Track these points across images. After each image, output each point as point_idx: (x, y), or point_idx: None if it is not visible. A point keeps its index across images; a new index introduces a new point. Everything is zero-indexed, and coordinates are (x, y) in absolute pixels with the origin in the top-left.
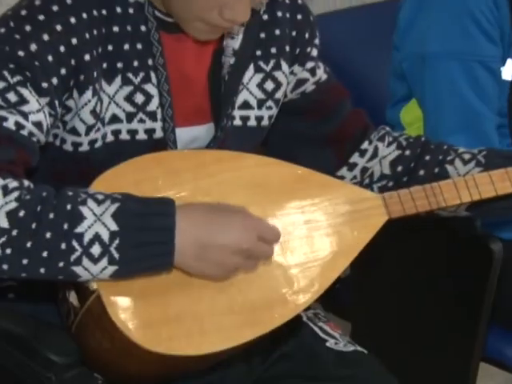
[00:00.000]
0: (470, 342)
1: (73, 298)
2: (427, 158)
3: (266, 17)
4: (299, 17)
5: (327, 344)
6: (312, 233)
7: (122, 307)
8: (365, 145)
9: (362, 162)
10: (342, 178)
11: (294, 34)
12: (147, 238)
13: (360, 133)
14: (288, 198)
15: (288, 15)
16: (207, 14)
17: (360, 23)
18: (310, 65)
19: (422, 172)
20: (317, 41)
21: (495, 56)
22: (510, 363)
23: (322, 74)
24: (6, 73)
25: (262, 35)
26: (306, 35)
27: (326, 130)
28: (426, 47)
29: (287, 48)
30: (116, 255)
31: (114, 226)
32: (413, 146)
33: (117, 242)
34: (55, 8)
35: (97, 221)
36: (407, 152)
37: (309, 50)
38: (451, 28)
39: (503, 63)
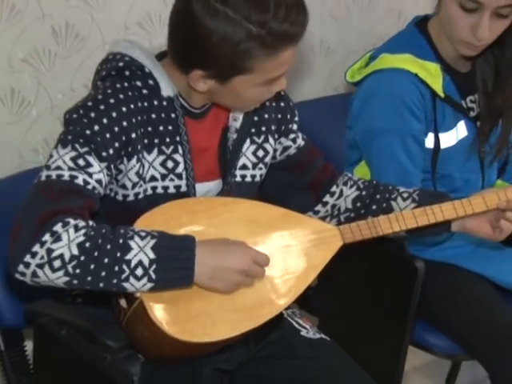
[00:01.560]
0: (402, 333)
1: (123, 302)
2: (378, 196)
3: (258, 105)
4: (282, 104)
5: (301, 333)
6: (289, 254)
7: (158, 309)
8: (333, 188)
9: (331, 201)
10: (317, 212)
11: (279, 116)
12: (175, 265)
13: (329, 180)
14: (272, 230)
15: (274, 104)
16: (261, 96)
17: (327, 108)
18: (291, 136)
19: (374, 207)
20: (296, 118)
21: (421, 131)
22: (429, 346)
23: (300, 141)
24: (77, 145)
25: (256, 118)
26: (288, 116)
27: (305, 179)
28: (373, 125)
29: (273, 127)
30: (153, 276)
31: (152, 255)
32: (367, 187)
33: (154, 266)
34: (112, 101)
35: (140, 251)
36: (363, 192)
37: (290, 126)
38: (391, 112)
39: (426, 136)
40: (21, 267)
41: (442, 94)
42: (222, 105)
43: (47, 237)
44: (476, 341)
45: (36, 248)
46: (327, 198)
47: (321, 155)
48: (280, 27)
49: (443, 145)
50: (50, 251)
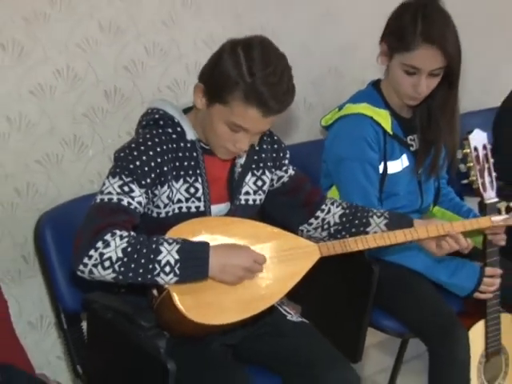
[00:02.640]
0: (362, 317)
1: (154, 292)
2: (359, 214)
3: (257, 148)
4: (276, 146)
5: (287, 317)
6: (280, 261)
7: (180, 298)
8: (323, 206)
9: (322, 215)
10: (311, 223)
11: (274, 155)
12: (194, 263)
13: (320, 199)
14: (268, 243)
15: (269, 146)
16: (227, 144)
17: (310, 148)
18: (284, 168)
19: (356, 221)
20: (287, 155)
21: (376, 159)
22: (384, 328)
23: (291, 171)
24: (123, 176)
25: (255, 157)
26: (281, 154)
27: (299, 199)
28: (340, 156)
29: (269, 164)
30: (178, 272)
31: (177, 257)
32: (350, 207)
33: (178, 265)
34: (149, 143)
35: (168, 254)
36: (347, 211)
37: (283, 161)
38: (353, 145)
39: (379, 163)
40: (81, 267)
41: (391, 132)
42: (206, 135)
43: (100, 244)
44: (419, 324)
45: (92, 252)
46: (318, 213)
47: (308, 180)
48: (261, 88)
49: (391, 170)
50: (102, 255)
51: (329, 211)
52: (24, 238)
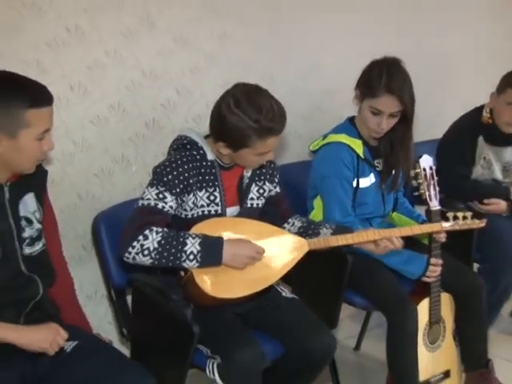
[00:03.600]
0: (338, 296)
1: (182, 273)
2: (312, 226)
3: (257, 166)
4: (272, 165)
5: (282, 294)
6: (277, 252)
7: (200, 278)
8: (290, 220)
9: (287, 227)
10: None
11: (270, 171)
12: (211, 254)
13: (289, 217)
14: (268, 238)
15: (268, 164)
16: (259, 162)
17: (297, 168)
18: (274, 184)
19: (310, 231)
20: (278, 175)
21: (351, 177)
22: (354, 303)
23: (278, 189)
24: (159, 186)
25: (258, 172)
26: (275, 172)
27: (276, 212)
28: (324, 174)
29: (268, 177)
30: (199, 260)
31: (199, 248)
32: (308, 222)
33: (200, 255)
34: (179, 162)
35: (192, 245)
36: (305, 224)
37: (275, 178)
38: (334, 166)
39: (353, 180)
40: (126, 254)
41: (362, 157)
42: (238, 163)
43: (141, 237)
44: (380, 300)
45: (134, 243)
46: (285, 225)
47: (286, 201)
48: (267, 124)
49: (361, 185)
50: (142, 246)
51: (293, 224)
52: (84, 231)
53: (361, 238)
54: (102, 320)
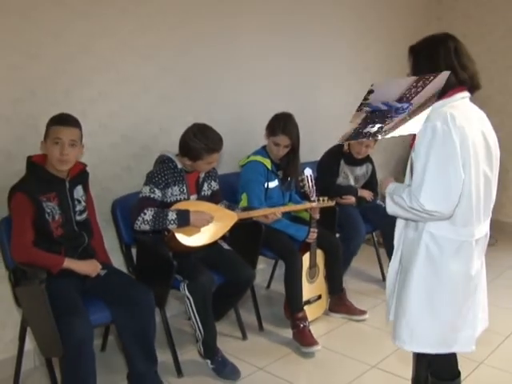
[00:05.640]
0: (256, 250)
1: (166, 233)
2: (230, 207)
3: (207, 170)
4: (214, 170)
5: (223, 246)
6: (219, 219)
7: (179, 234)
8: (221, 202)
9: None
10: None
11: (213, 175)
12: (183, 218)
13: (221, 199)
14: (214, 212)
15: (212, 169)
16: (207, 168)
17: (232, 177)
18: (216, 182)
19: (230, 210)
20: (217, 178)
21: (264, 181)
22: (265, 255)
23: (217, 186)
24: (150, 184)
25: (207, 174)
26: (215, 175)
27: (215, 199)
28: (247, 178)
29: (212, 177)
30: (177, 222)
31: (175, 216)
32: (227, 204)
33: (176, 220)
34: (161, 170)
35: (172, 215)
36: (227, 205)
37: (216, 179)
38: (253, 175)
39: (265, 183)
40: (135, 225)
41: (270, 169)
42: (196, 169)
43: (142, 214)
44: (281, 253)
45: (139, 218)
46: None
47: (220, 194)
48: (212, 146)
49: (270, 186)
50: (143, 219)
51: (222, 205)
52: (107, 209)
53: (261, 212)
54: (116, 262)
